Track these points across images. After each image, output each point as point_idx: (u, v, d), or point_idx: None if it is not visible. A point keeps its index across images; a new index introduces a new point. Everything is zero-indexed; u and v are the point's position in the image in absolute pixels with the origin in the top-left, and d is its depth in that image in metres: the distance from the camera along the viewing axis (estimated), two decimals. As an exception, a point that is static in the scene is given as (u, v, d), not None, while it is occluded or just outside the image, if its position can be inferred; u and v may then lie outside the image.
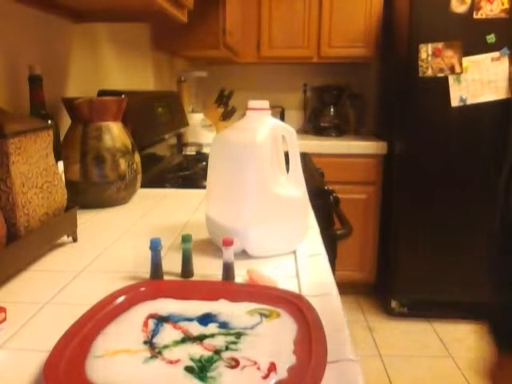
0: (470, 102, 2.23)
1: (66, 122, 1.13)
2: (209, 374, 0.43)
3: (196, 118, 2.32)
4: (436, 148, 2.31)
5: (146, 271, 0.67)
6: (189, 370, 0.44)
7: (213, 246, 0.79)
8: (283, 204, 0.75)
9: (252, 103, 0.77)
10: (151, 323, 0.52)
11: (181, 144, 2.06)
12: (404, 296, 2.46)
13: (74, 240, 0.83)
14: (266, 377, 0.42)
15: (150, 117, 1.63)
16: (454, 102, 2.25)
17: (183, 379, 0.42)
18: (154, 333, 0.50)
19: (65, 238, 0.82)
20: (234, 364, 0.44)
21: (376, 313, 2.52)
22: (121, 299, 0.56)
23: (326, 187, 1.31)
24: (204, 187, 1.39)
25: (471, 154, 2.24)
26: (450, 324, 2.36)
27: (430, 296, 2.42)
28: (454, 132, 2.26)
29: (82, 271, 0.70)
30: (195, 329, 0.51)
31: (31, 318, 0.56)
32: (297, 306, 0.55)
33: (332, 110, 2.87)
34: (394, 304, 2.47)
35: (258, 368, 0.44)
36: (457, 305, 2.40)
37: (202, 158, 1.83)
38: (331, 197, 1.28)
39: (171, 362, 0.45)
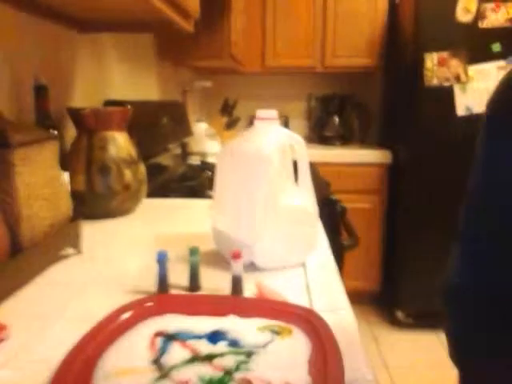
0: (475, 111, 2.22)
1: (71, 132, 1.12)
2: (220, 396, 0.41)
3: (200, 128, 2.32)
4: (441, 158, 2.29)
5: (151, 284, 0.65)
6: (199, 391, 0.42)
7: (220, 258, 0.78)
8: (292, 215, 0.73)
9: (260, 113, 0.76)
10: (158, 341, 0.50)
11: (185, 153, 2.05)
12: (409, 306, 2.42)
13: (79, 252, 0.82)
14: (279, 399, 0.41)
15: (155, 126, 1.63)
16: (460, 112, 2.24)
17: (193, 401, 0.41)
18: (162, 351, 0.48)
19: (69, 250, 0.81)
20: (246, 385, 0.43)
21: (381, 323, 2.49)
22: (127, 315, 0.54)
23: (332, 197, 1.30)
24: (209, 197, 1.39)
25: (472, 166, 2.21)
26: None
27: (435, 306, 2.39)
28: (460, 142, 2.24)
29: (86, 284, 0.68)
30: (204, 347, 0.49)
31: (35, 335, 0.54)
32: (309, 322, 0.53)
33: (336, 119, 2.86)
34: (399, 314, 2.44)
35: (272, 389, 0.42)
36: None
37: (206, 167, 1.82)
38: (338, 206, 1.27)
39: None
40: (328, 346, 0.48)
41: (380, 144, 2.80)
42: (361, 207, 2.53)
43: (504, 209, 0.65)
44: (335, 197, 1.34)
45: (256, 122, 0.77)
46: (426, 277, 2.36)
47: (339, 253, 0.95)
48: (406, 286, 2.40)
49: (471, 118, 2.21)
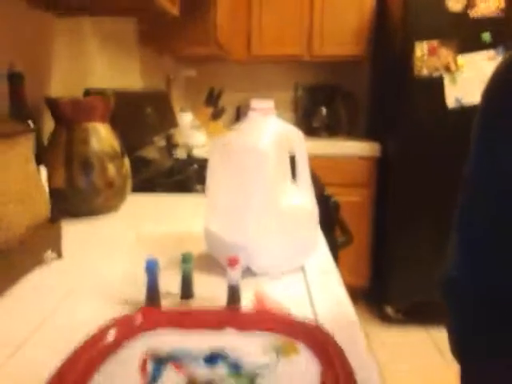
0: (465, 101, 2.19)
1: (49, 124, 1.04)
2: (223, 433, 0.36)
3: (185, 119, 2.24)
4: (431, 149, 2.26)
5: (139, 292, 0.59)
6: (198, 427, 0.36)
7: (213, 262, 0.72)
8: (291, 215, 0.68)
9: (255, 103, 0.70)
10: (150, 365, 0.45)
11: (170, 146, 1.98)
12: (399, 301, 2.40)
13: (59, 256, 0.75)
14: None
15: (139, 117, 1.55)
16: (450, 102, 2.21)
17: None
18: (154, 378, 0.43)
19: (48, 254, 0.74)
20: (253, 418, 0.37)
21: (371, 319, 2.47)
22: (112, 334, 0.48)
23: (326, 193, 1.25)
24: (198, 191, 1.33)
25: (467, 155, 2.19)
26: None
27: (425, 301, 2.38)
28: (450, 133, 2.22)
29: (67, 295, 0.62)
30: (201, 371, 0.44)
31: (7, 360, 0.48)
32: (316, 338, 0.48)
33: (324, 109, 2.81)
34: (388, 310, 2.42)
35: (282, 424, 0.37)
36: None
37: (193, 161, 1.75)
38: (331, 202, 1.22)
39: (177, 418, 0.37)
40: (340, 368, 0.43)
41: (368, 136, 2.76)
42: (349, 201, 2.48)
43: (500, 195, 0.65)
44: (328, 192, 1.30)
45: (251, 114, 0.71)
46: (416, 271, 2.34)
47: (334, 251, 0.90)
48: (396, 281, 2.38)
49: (461, 109, 2.18)
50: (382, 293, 2.47)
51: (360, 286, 2.58)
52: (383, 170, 2.45)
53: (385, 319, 2.43)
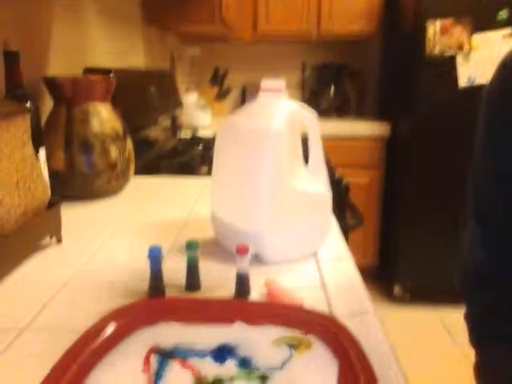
0: (478, 81, 2.12)
1: (48, 104, 1.00)
2: None
3: (190, 99, 2.19)
4: (441, 130, 2.20)
5: (142, 281, 0.56)
6: (206, 433, 0.33)
7: (219, 248, 0.69)
8: (303, 200, 0.64)
9: (266, 83, 0.66)
10: (154, 360, 0.41)
11: (175, 126, 1.93)
12: (407, 281, 2.38)
13: (59, 241, 0.72)
14: None
15: (142, 97, 1.51)
16: (462, 82, 2.14)
17: None
18: (159, 375, 0.40)
19: (47, 239, 0.71)
20: (265, 423, 0.34)
21: (378, 299, 2.45)
22: (114, 326, 0.45)
23: (337, 175, 1.21)
24: (203, 174, 1.29)
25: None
26: (455, 310, 2.28)
27: (434, 281, 2.34)
28: (461, 113, 2.15)
29: (66, 283, 0.59)
30: (209, 368, 0.40)
31: (7, 347, 0.45)
32: (332, 332, 0.45)
33: (332, 89, 2.74)
34: (396, 289, 2.39)
35: (297, 430, 0.34)
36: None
37: (198, 141, 1.70)
38: (342, 185, 1.18)
39: (183, 422, 0.34)
40: (358, 364, 0.40)
41: (378, 116, 2.69)
42: (358, 182, 2.44)
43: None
44: (339, 174, 1.25)
45: (261, 94, 0.66)
46: (425, 253, 2.31)
47: (344, 233, 0.87)
48: (404, 261, 2.35)
49: (473, 89, 2.11)
50: (390, 273, 2.45)
51: (368, 266, 2.55)
52: (393, 151, 2.40)
53: (393, 299, 2.41)
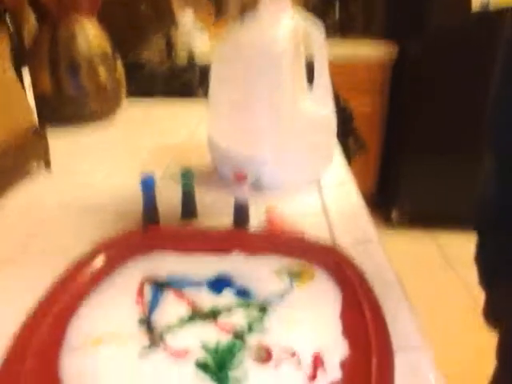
0: (492, 5, 1.97)
1: (31, 23, 0.92)
2: (231, 374, 0.31)
3: (185, 18, 2.05)
4: (452, 55, 2.08)
5: (135, 209, 0.53)
6: (202, 366, 0.32)
7: (216, 176, 0.65)
8: (307, 123, 0.59)
9: (267, -6, 0.58)
10: (148, 291, 0.39)
11: (170, 48, 1.82)
12: (405, 206, 2.37)
13: (47, 166, 0.69)
14: (312, 377, 0.31)
15: (132, 16, 1.40)
16: (475, 6, 1.99)
17: (195, 382, 0.31)
18: (152, 306, 0.38)
19: (35, 166, 0.67)
20: (265, 356, 0.33)
21: (375, 224, 2.46)
22: (106, 257, 0.43)
23: (341, 100, 1.15)
24: (200, 96, 1.22)
25: (490, 63, 2.03)
26: (452, 235, 2.29)
27: (432, 207, 2.34)
28: (473, 38, 2.02)
29: (55, 211, 0.56)
30: (206, 299, 0.38)
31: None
32: (333, 260, 0.43)
33: (337, 6, 2.57)
34: (394, 214, 2.40)
35: (299, 362, 0.32)
36: (461, 218, 2.33)
37: (194, 66, 1.61)
38: (347, 111, 1.12)
39: (178, 355, 0.33)
40: (363, 294, 0.38)
41: (385, 36, 2.54)
42: (359, 107, 2.36)
43: None
44: (344, 102, 1.19)
45: (262, 7, 0.59)
46: (425, 179, 2.28)
47: (347, 158, 0.83)
48: (403, 187, 2.33)
49: (487, 14, 1.96)
50: (388, 198, 2.44)
51: (367, 192, 2.53)
52: (398, 76, 2.29)
53: (390, 225, 2.42)
